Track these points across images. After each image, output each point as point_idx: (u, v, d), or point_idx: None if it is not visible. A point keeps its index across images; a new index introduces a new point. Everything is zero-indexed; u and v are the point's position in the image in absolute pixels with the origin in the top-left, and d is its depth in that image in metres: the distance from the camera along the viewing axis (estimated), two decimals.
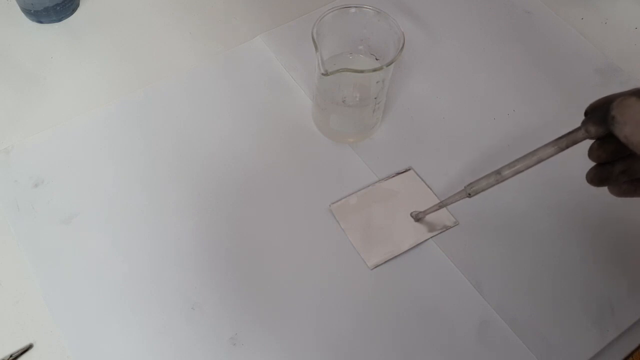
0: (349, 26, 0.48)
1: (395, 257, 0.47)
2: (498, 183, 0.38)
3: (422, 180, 0.50)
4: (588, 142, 0.35)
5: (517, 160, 0.37)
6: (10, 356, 0.41)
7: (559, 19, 0.63)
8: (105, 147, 0.52)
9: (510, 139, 0.53)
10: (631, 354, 0.44)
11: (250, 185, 0.50)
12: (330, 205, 0.49)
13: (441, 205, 0.44)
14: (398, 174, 0.51)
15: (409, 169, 0.51)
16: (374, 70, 0.44)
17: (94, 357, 0.42)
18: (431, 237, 0.47)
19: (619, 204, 0.49)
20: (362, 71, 0.43)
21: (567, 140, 0.34)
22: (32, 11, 0.59)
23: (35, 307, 0.44)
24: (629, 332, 0.44)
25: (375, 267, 0.46)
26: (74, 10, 0.61)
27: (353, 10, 0.47)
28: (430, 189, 0.50)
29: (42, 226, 0.47)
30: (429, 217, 0.48)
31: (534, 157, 0.36)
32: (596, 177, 0.35)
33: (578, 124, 0.34)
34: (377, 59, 0.50)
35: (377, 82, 0.46)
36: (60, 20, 0.61)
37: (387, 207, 0.49)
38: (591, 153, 0.34)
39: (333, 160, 0.52)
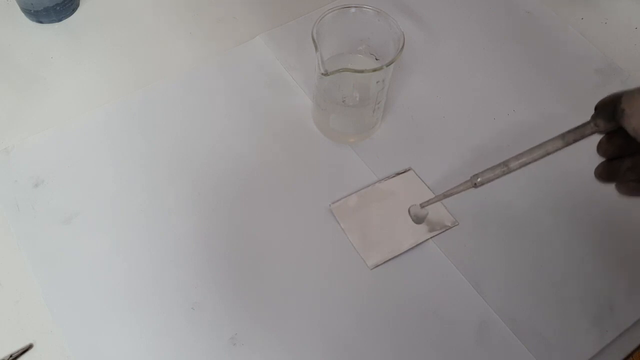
0: (349, 26, 0.48)
1: (395, 257, 0.47)
2: (504, 175, 0.38)
3: (422, 180, 0.50)
4: (593, 142, 0.35)
5: (524, 153, 0.37)
6: (10, 356, 0.41)
7: (559, 19, 0.63)
8: (105, 147, 0.52)
9: (510, 139, 0.53)
10: (631, 354, 0.44)
11: (250, 185, 0.50)
12: (330, 205, 0.49)
13: (446, 195, 0.43)
14: (398, 174, 0.51)
15: (409, 169, 0.51)
16: (374, 70, 0.44)
17: (94, 357, 0.42)
18: (431, 237, 0.47)
19: (618, 204, 0.49)
20: (362, 71, 0.43)
21: (575, 134, 0.34)
22: (32, 11, 0.59)
23: (35, 307, 0.44)
24: (628, 332, 0.44)
25: (375, 267, 0.46)
26: (74, 10, 0.61)
27: (353, 10, 0.47)
28: (430, 189, 0.50)
29: (42, 226, 0.47)
30: (429, 217, 0.48)
31: (541, 150, 0.36)
32: (604, 172, 0.35)
33: (578, 124, 0.34)
34: (377, 59, 0.50)
35: (377, 82, 0.46)
36: (60, 20, 0.61)
37: (387, 207, 0.49)
38: (600, 147, 0.34)
39: (333, 160, 0.52)
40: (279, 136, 0.53)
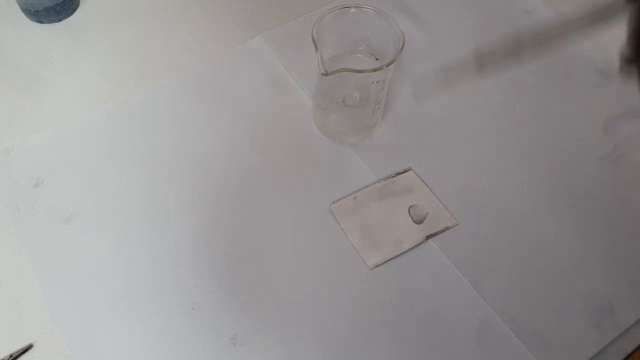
0: (349, 26, 0.48)
1: (395, 257, 0.47)
2: (513, 56, 0.34)
3: (422, 180, 0.50)
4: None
5: (541, 32, 0.32)
6: (10, 356, 0.41)
7: (559, 19, 0.63)
8: (105, 147, 0.52)
9: (510, 139, 0.53)
10: (631, 354, 0.44)
11: (250, 185, 0.50)
12: (330, 205, 0.49)
13: (447, 81, 0.38)
14: (398, 174, 0.51)
15: (409, 169, 0.51)
16: (374, 70, 0.44)
17: (94, 357, 0.42)
18: (431, 237, 0.47)
19: (619, 205, 0.49)
20: (362, 71, 0.43)
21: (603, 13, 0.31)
22: (32, 11, 0.59)
23: (35, 307, 0.44)
24: (628, 332, 0.44)
25: (375, 267, 0.46)
26: (74, 10, 0.61)
27: (353, 10, 0.47)
28: (430, 189, 0.50)
29: (42, 226, 0.47)
30: (429, 217, 0.48)
31: (560, 29, 0.32)
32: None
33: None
34: (377, 59, 0.50)
35: (377, 82, 0.46)
36: (60, 20, 0.61)
37: (387, 207, 0.49)
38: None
39: (333, 160, 0.52)
40: (279, 136, 0.53)
